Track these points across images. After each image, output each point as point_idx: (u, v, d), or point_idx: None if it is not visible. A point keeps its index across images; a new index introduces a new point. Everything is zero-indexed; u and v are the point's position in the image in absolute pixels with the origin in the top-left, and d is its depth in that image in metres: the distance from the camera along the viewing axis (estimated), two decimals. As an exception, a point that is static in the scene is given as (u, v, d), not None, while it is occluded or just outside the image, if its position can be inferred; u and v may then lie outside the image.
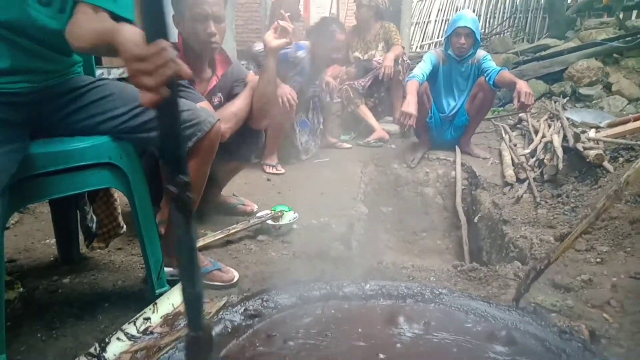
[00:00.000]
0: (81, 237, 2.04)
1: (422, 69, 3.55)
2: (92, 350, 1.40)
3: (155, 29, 0.89)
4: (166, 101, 0.92)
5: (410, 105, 3.23)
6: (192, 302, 1.12)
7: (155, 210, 1.84)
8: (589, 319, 1.62)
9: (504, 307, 1.59)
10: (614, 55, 5.64)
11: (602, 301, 1.72)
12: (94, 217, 1.98)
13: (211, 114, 1.68)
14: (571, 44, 6.09)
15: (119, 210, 2.02)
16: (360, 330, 1.51)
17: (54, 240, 2.11)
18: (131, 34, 1.02)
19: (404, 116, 3.23)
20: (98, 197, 1.96)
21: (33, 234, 2.36)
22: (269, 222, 2.40)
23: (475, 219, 3.22)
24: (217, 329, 1.50)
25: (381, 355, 1.40)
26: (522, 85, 3.24)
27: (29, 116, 1.45)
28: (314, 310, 1.61)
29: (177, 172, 1.02)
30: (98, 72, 1.79)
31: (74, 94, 1.53)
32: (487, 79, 3.50)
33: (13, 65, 1.37)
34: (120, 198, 1.96)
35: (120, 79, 1.79)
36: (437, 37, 10.23)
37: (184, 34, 2.12)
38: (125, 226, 2.03)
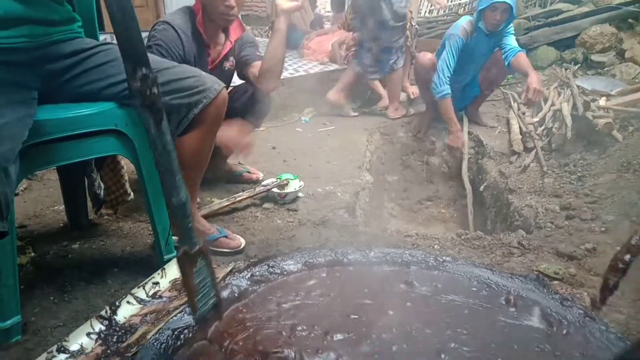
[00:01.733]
0: (89, 204, 2.06)
1: (448, 69, 3.38)
2: (103, 312, 1.44)
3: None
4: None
5: (458, 139, 3.50)
6: (178, 210, 1.13)
7: (161, 177, 1.85)
8: (591, 287, 1.64)
9: (507, 275, 1.61)
10: (629, 20, 5.48)
11: (605, 269, 1.73)
12: (102, 184, 2.00)
13: (217, 80, 1.66)
14: (585, 9, 5.90)
15: (126, 178, 2.03)
16: (366, 290, 1.54)
17: (62, 207, 2.14)
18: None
19: (455, 150, 3.56)
20: (105, 164, 1.98)
21: (42, 200, 2.39)
22: (275, 190, 2.41)
23: (481, 188, 3.22)
24: (224, 294, 1.54)
25: (390, 312, 1.43)
26: (533, 80, 3.17)
27: (33, 78, 1.43)
28: (319, 275, 1.64)
29: (138, 65, 0.98)
30: (101, 37, 1.76)
31: (78, 57, 1.51)
32: (503, 56, 3.41)
33: (6, 12, 1.33)
34: (127, 165, 1.97)
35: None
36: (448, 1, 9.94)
37: (203, 0, 2.09)
38: (132, 193, 2.05)
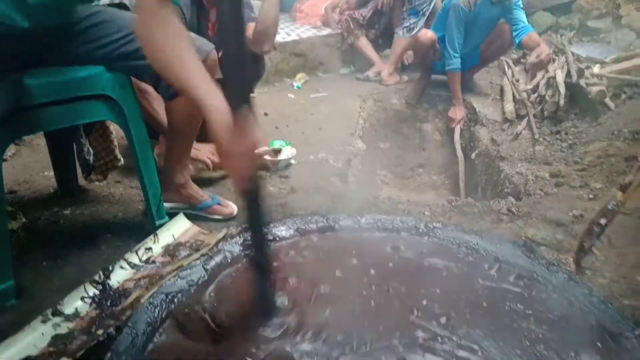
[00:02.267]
0: (79, 170, 2.05)
1: (456, 40, 3.31)
2: (96, 277, 1.46)
3: (239, 97, 0.92)
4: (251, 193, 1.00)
5: (460, 112, 3.46)
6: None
7: (152, 143, 1.84)
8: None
9: (496, 241, 1.63)
10: (627, -15, 5.39)
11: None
12: (91, 150, 1.98)
13: (206, 42, 1.63)
14: (583, -27, 5.79)
15: (116, 143, 2.01)
16: (353, 252, 1.57)
17: (52, 173, 2.12)
18: (220, 113, 0.94)
19: (454, 122, 3.48)
20: (94, 129, 1.95)
21: (31, 166, 2.37)
22: (267, 157, 2.40)
23: (473, 156, 3.23)
24: (217, 259, 1.55)
25: (372, 271, 1.46)
26: (545, 47, 3.18)
27: (22, 48, 1.40)
28: (310, 240, 1.65)
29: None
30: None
31: (68, 22, 1.47)
32: (514, 35, 3.33)
33: None
34: (116, 131, 1.94)
35: (110, 5, 1.71)
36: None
37: None
38: (122, 159, 2.04)
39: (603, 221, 1.30)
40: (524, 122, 3.09)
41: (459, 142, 3.41)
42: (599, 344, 1.21)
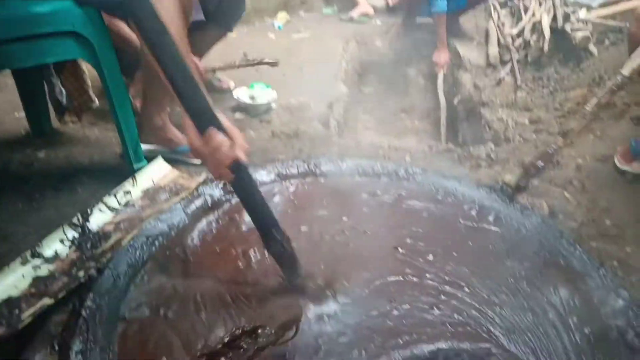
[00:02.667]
0: (52, 111, 1.98)
1: None
2: (75, 220, 1.44)
3: (203, 122, 1.01)
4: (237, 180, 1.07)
5: (443, 57, 3.34)
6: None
7: (127, 83, 1.77)
8: (550, 197, 1.72)
9: (473, 186, 1.66)
10: None
11: (565, 181, 1.82)
12: (63, 90, 1.90)
13: None
14: None
15: (89, 83, 1.93)
16: (335, 197, 1.58)
17: (23, 114, 2.04)
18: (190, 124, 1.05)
19: (439, 66, 3.35)
20: (65, 68, 1.86)
21: (1, 106, 2.27)
22: (247, 100, 2.35)
23: (455, 101, 3.22)
24: (197, 203, 1.55)
25: (354, 212, 1.49)
26: None
27: None
28: (291, 185, 1.66)
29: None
30: None
31: None
32: None
33: None
34: (90, 70, 1.86)
35: None
36: None
37: None
38: (97, 100, 1.96)
39: (540, 163, 1.36)
40: (507, 67, 3.06)
41: (441, 88, 3.38)
42: (566, 283, 1.28)
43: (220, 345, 0.80)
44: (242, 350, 0.84)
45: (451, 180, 1.69)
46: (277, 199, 1.59)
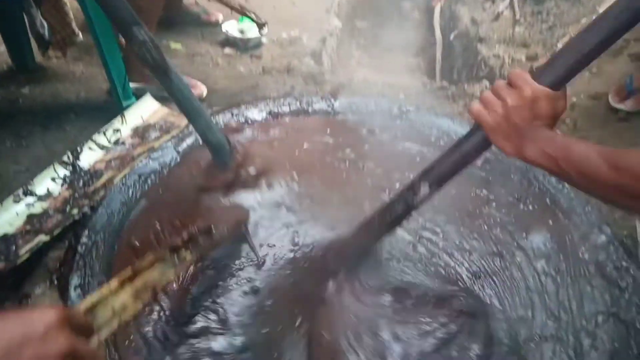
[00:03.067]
0: (35, 45, 1.90)
1: None
2: (65, 158, 1.44)
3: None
4: None
5: None
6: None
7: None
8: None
9: (466, 125, 1.65)
10: None
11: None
12: (44, 23, 1.82)
13: None
14: None
15: (71, 16, 1.84)
16: (328, 134, 1.58)
17: (4, 48, 1.96)
18: None
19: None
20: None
21: (-21, 40, 2.18)
22: (237, 34, 2.27)
23: (451, 37, 3.13)
24: (188, 141, 1.54)
25: (348, 152, 1.50)
26: None
27: None
28: (283, 123, 1.65)
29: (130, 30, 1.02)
30: None
31: None
32: None
33: None
34: (71, 2, 1.77)
35: None
36: None
37: None
38: (80, 34, 1.88)
39: None
40: (507, 0, 2.95)
41: (438, 22, 3.27)
42: (550, 222, 1.31)
43: (180, 242, 0.92)
44: (199, 243, 0.97)
45: (444, 119, 1.68)
46: (267, 135, 1.58)
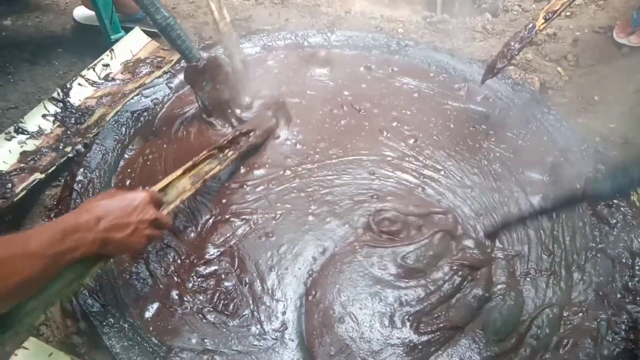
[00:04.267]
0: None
1: None
2: (55, 95, 1.40)
3: None
4: None
5: None
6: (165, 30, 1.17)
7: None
8: (543, 72, 1.69)
9: (466, 60, 1.61)
10: None
11: (560, 55, 1.77)
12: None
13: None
14: None
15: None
16: (326, 71, 1.54)
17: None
18: None
19: None
20: None
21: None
22: None
23: (454, -34, 2.97)
24: (180, 77, 1.49)
25: (345, 92, 1.47)
26: None
27: None
28: (277, 57, 1.60)
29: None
30: None
31: None
32: None
33: None
34: None
35: None
36: None
37: None
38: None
39: (516, 45, 1.31)
40: None
41: (440, -51, 3.10)
42: (548, 159, 1.32)
43: (225, 142, 1.16)
44: (239, 145, 1.19)
45: (444, 54, 1.63)
46: (261, 68, 1.54)
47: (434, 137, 1.36)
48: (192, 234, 1.10)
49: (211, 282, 1.03)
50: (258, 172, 1.24)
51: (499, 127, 1.40)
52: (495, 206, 1.21)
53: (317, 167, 1.26)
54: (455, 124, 1.41)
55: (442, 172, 1.28)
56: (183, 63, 1.52)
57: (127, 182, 1.21)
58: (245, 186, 1.21)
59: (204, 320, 0.98)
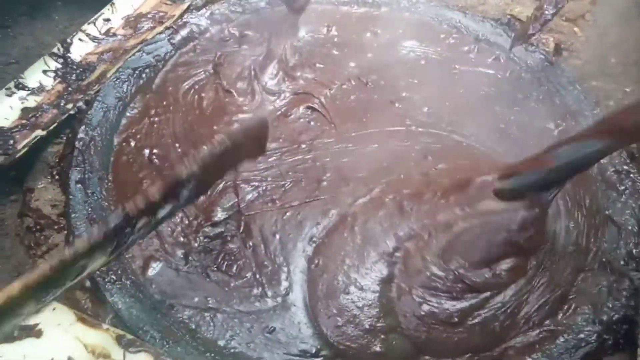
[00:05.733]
0: None
1: None
2: (55, 50, 1.37)
3: None
4: None
5: None
6: None
7: None
8: (559, 32, 1.62)
9: (479, 18, 1.55)
10: None
11: (578, 14, 1.69)
12: None
13: None
14: None
15: None
16: (334, 32, 1.49)
17: None
18: None
19: None
20: None
21: None
22: None
23: None
24: (182, 33, 1.46)
25: (351, 63, 1.43)
26: None
27: None
28: (284, 13, 1.54)
29: None
30: None
31: None
32: None
33: None
34: None
35: None
36: None
37: None
38: None
39: (551, 10, 1.24)
40: None
41: None
42: (559, 122, 1.28)
43: None
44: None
45: (455, 12, 1.57)
46: (267, 27, 1.49)
47: (447, 102, 1.32)
48: (202, 197, 1.09)
49: (216, 244, 1.03)
50: (271, 146, 1.19)
51: (510, 89, 1.36)
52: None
53: (334, 140, 1.22)
54: (466, 88, 1.36)
55: (472, 139, 1.24)
56: (186, 18, 1.49)
57: (132, 144, 1.20)
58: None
59: (207, 280, 0.98)
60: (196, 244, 1.03)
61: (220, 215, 1.07)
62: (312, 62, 1.41)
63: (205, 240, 1.03)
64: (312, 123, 1.27)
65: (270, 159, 1.17)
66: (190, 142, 1.20)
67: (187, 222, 1.05)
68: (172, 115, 1.26)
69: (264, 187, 1.12)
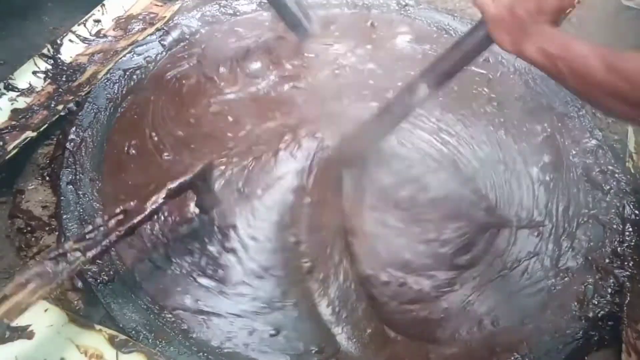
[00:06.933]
0: None
1: None
2: (45, 51, 1.37)
3: None
4: None
5: None
6: None
7: None
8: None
9: (467, 21, 1.57)
10: None
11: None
12: None
13: None
14: None
15: None
16: (332, 28, 1.51)
17: None
18: None
19: None
20: None
21: None
22: None
23: None
24: (174, 35, 1.46)
25: (349, 54, 1.44)
26: None
27: None
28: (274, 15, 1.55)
29: None
30: None
31: None
32: None
33: None
34: None
35: None
36: None
37: None
38: None
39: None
40: None
41: None
42: (546, 125, 1.31)
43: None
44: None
45: (444, 15, 1.60)
46: (257, 28, 1.50)
47: (439, 98, 1.33)
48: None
49: (195, 245, 1.02)
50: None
51: (500, 90, 1.38)
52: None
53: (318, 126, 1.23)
54: (459, 86, 1.38)
55: (456, 138, 1.26)
56: (176, 20, 1.49)
57: (123, 144, 1.20)
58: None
59: (196, 284, 0.98)
60: (175, 244, 1.02)
61: (192, 210, 1.06)
62: (302, 52, 1.43)
63: (186, 240, 1.02)
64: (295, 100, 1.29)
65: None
66: (165, 129, 1.22)
67: (162, 218, 1.04)
68: (152, 105, 1.27)
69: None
